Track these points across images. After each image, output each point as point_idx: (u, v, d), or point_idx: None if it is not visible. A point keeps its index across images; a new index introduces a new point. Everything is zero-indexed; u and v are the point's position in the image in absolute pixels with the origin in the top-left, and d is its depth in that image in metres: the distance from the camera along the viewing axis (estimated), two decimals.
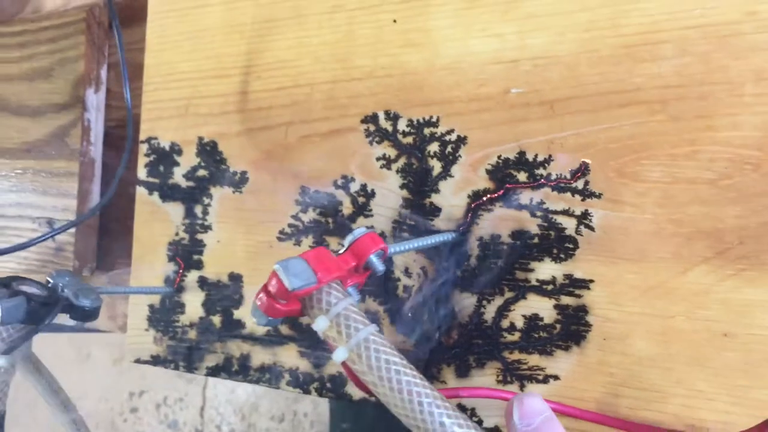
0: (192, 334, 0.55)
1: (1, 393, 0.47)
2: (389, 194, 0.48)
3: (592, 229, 0.42)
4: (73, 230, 0.60)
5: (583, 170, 0.42)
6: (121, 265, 0.63)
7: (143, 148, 0.58)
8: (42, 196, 0.62)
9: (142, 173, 0.58)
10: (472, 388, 0.42)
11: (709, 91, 0.39)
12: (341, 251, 0.37)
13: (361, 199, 0.49)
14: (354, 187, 0.49)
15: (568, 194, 0.43)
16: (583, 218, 0.42)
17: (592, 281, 0.42)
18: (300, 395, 1.50)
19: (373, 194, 0.49)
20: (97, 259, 0.63)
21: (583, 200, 0.42)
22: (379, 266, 0.37)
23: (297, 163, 0.51)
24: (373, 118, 0.49)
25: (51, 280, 0.48)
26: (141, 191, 0.58)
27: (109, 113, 0.64)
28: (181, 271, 0.56)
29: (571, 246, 0.42)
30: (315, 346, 0.50)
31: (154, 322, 0.57)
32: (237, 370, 0.53)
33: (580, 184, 0.42)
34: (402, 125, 0.48)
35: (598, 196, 0.42)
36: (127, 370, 1.72)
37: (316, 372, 0.50)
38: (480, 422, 0.44)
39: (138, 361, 0.57)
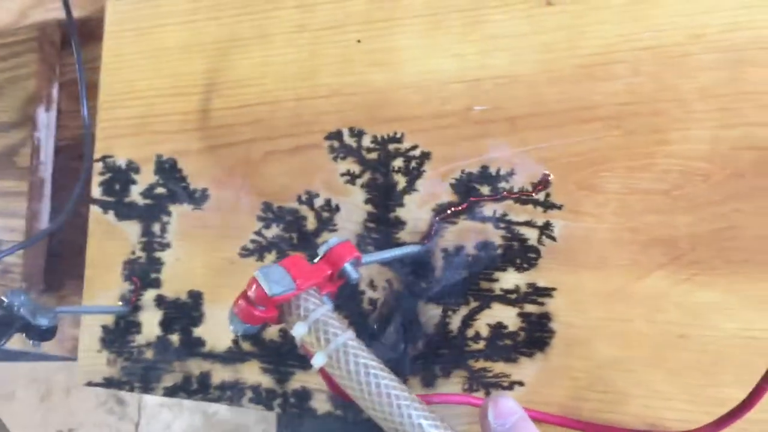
0: (149, 353, 0.54)
1: None
2: (354, 209, 0.49)
3: (553, 239, 0.44)
4: (21, 251, 0.58)
5: (544, 183, 0.44)
6: (71, 286, 0.61)
7: (98, 166, 0.57)
8: None
9: (96, 192, 0.57)
10: (444, 394, 0.43)
11: (662, 107, 0.42)
12: (316, 260, 0.38)
13: (325, 214, 0.50)
14: (318, 202, 0.50)
15: (530, 206, 0.44)
16: (545, 229, 0.44)
17: (554, 289, 0.44)
18: (239, 427, 1.47)
19: (337, 209, 0.49)
20: (44, 281, 0.62)
21: (544, 211, 0.44)
22: (354, 274, 0.38)
23: (260, 180, 0.52)
24: (337, 135, 0.50)
25: (6, 300, 0.47)
26: (95, 210, 0.57)
27: (60, 132, 0.63)
28: (136, 289, 0.55)
29: (533, 256, 0.44)
30: (278, 361, 0.50)
31: (107, 343, 0.55)
32: (196, 388, 0.52)
33: (541, 196, 0.44)
34: (366, 141, 0.49)
35: (559, 208, 0.44)
36: (54, 407, 1.65)
37: (279, 388, 0.50)
38: None
39: (90, 384, 0.56)
